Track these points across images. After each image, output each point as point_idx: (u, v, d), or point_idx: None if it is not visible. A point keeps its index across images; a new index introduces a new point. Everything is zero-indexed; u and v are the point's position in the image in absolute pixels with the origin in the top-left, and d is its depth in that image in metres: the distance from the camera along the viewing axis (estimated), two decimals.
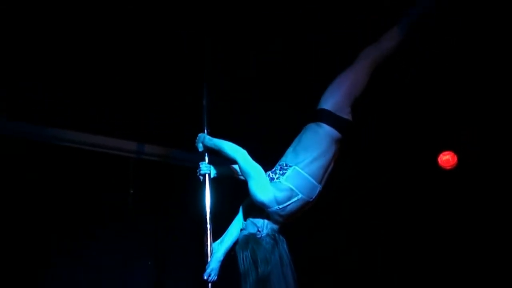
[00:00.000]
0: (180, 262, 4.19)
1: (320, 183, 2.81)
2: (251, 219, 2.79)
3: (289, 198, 2.72)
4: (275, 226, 2.76)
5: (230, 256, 2.99)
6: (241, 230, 2.83)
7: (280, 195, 2.70)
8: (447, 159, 4.51)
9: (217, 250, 2.94)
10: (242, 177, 2.98)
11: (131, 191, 4.17)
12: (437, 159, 4.59)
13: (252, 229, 2.75)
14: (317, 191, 2.80)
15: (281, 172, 2.79)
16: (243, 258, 2.67)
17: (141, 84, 4.03)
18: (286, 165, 2.81)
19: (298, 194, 2.73)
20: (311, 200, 2.79)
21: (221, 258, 2.93)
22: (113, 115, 4.12)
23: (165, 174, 4.37)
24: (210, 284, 2.88)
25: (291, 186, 2.73)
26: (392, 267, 4.77)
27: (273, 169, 2.85)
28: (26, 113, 3.81)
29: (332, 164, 2.88)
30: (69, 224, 3.84)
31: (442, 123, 4.46)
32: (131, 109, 4.15)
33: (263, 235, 2.70)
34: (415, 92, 4.29)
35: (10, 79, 3.69)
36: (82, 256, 3.84)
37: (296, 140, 2.93)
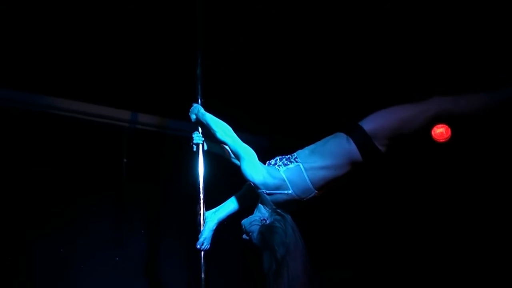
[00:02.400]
0: (173, 231, 4.22)
1: (317, 189, 2.73)
2: (249, 220, 2.74)
3: (278, 188, 2.69)
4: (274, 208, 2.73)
5: (223, 226, 3.01)
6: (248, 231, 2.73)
7: (271, 181, 2.68)
8: (440, 132, 4.49)
9: (210, 220, 2.96)
10: (233, 160, 3.02)
11: (125, 160, 4.17)
12: (431, 132, 4.57)
13: (256, 228, 2.68)
14: (312, 195, 2.73)
15: (286, 162, 2.76)
16: (269, 256, 2.55)
17: (135, 53, 3.99)
18: (295, 159, 2.76)
19: (289, 189, 2.69)
20: (301, 200, 2.73)
21: (214, 228, 2.95)
22: (107, 83, 4.09)
23: (159, 143, 4.36)
24: (202, 253, 2.91)
25: (285, 179, 2.70)
26: (381, 241, 4.79)
27: (282, 156, 2.83)
28: (16, 80, 3.77)
29: (338, 181, 2.77)
30: (62, 193, 3.84)
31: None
32: (125, 77, 4.11)
33: (269, 219, 2.67)
34: (407, 62, 4.28)
35: None
36: (75, 225, 3.85)
37: (322, 141, 2.82)
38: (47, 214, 3.76)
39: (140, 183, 4.20)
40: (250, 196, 2.91)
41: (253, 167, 2.71)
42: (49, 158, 3.85)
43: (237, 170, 2.80)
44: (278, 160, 2.80)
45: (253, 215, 2.76)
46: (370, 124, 2.74)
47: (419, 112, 2.75)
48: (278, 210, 2.67)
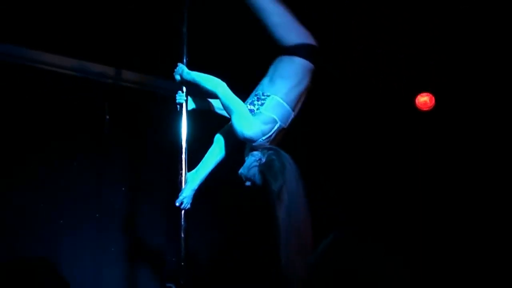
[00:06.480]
0: (154, 189, 4.22)
1: (293, 110, 2.85)
2: (246, 165, 2.76)
3: (272, 129, 2.75)
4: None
5: (205, 185, 3.02)
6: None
7: (266, 127, 2.74)
8: (424, 100, 4.51)
9: (192, 180, 2.96)
10: (220, 111, 3.00)
11: (107, 117, 4.13)
12: (415, 101, 4.58)
13: (255, 170, 2.70)
14: (291, 118, 2.85)
15: (259, 102, 2.79)
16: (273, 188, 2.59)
17: (121, 9, 3.92)
18: (263, 94, 2.81)
19: (278, 123, 2.77)
20: (286, 127, 2.84)
21: (195, 187, 2.95)
22: (92, 39, 4.01)
23: (142, 101, 4.32)
24: (183, 211, 2.92)
25: (274, 116, 2.76)
26: (362, 206, 4.83)
27: (249, 100, 2.84)
28: (7, 34, 3.69)
29: (305, 94, 2.91)
30: (43, 148, 3.81)
31: (420, 64, 4.43)
32: (109, 34, 4.05)
33: (264, 157, 2.68)
34: (393, 31, 4.25)
35: None
36: (55, 181, 3.83)
37: (271, 69, 2.92)
38: (29, 169, 3.73)
39: (122, 140, 4.18)
40: (223, 147, 2.97)
41: (246, 123, 2.71)
42: (31, 113, 3.79)
43: (221, 122, 2.83)
44: (249, 106, 2.81)
45: (247, 160, 2.78)
46: (287, 38, 2.88)
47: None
48: (269, 146, 2.74)
